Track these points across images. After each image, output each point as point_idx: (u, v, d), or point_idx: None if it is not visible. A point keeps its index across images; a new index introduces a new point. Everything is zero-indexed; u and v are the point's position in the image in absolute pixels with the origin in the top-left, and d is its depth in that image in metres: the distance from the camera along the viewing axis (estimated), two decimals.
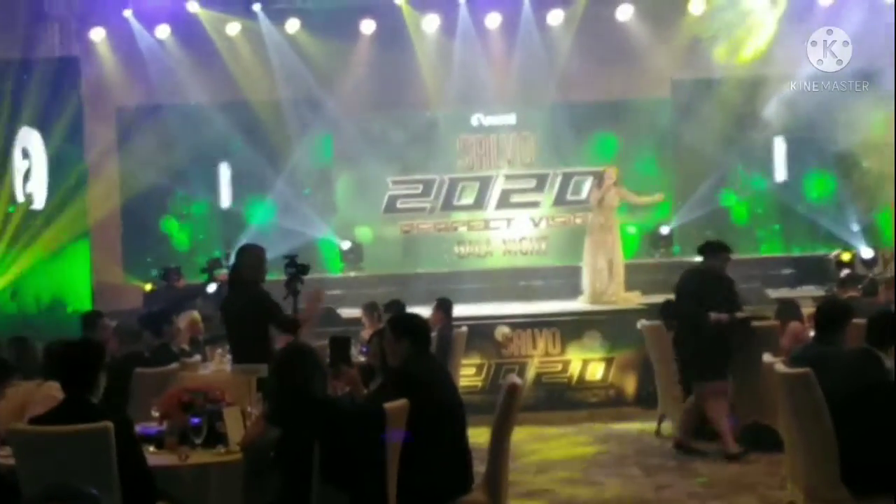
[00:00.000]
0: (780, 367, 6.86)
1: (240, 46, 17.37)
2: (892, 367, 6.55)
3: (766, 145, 17.41)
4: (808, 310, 10.19)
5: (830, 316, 7.39)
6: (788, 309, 10.63)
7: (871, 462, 6.09)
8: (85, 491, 2.71)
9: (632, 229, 17.03)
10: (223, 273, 13.42)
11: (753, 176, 17.57)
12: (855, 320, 7.38)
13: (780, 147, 17.47)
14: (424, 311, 11.02)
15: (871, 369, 6.38)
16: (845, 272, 14.12)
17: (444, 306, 11.83)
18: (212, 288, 15.11)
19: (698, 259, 10.87)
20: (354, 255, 17.46)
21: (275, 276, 9.33)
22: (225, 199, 17.67)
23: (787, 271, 16.48)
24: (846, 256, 15.96)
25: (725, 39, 16.94)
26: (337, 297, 15.03)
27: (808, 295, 13.37)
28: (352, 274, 17.20)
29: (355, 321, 12.80)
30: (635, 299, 14.62)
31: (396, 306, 10.97)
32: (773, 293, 14.27)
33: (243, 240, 14.50)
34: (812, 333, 9.09)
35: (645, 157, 17.56)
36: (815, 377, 6.31)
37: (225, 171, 17.61)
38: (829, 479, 6.21)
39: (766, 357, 7.34)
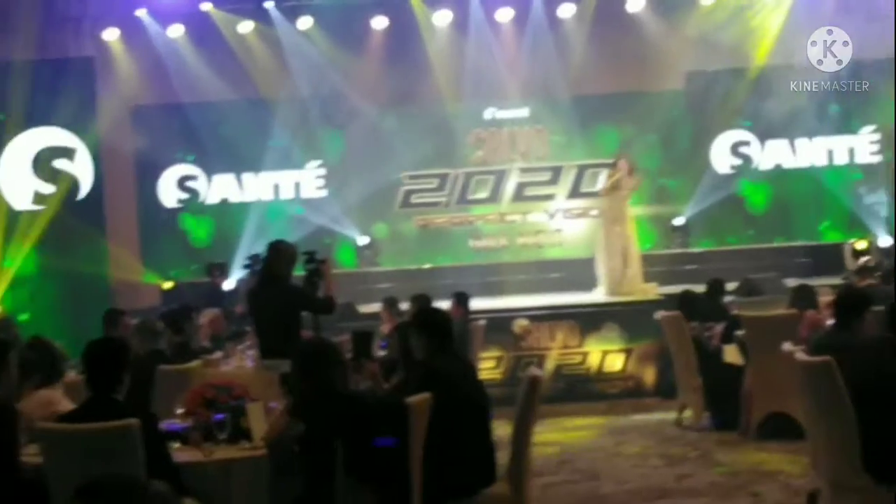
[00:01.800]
0: (801, 355, 6.85)
1: (253, 44, 17.42)
2: None
3: (781, 134, 17.45)
4: (825, 298, 10.19)
5: (850, 304, 7.41)
6: (804, 296, 10.60)
7: (893, 449, 6.07)
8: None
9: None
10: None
11: (770, 165, 17.62)
12: (874, 308, 7.40)
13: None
14: (442, 306, 11.07)
15: (891, 357, 6.36)
16: (863, 260, 14.10)
17: (461, 300, 11.84)
18: (230, 286, 15.18)
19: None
20: (371, 251, 17.51)
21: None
22: (242, 196, 17.73)
23: (802, 260, 16.46)
24: (861, 245, 15.90)
25: (735, 30, 17.00)
26: (354, 293, 15.06)
27: (825, 284, 13.34)
28: (368, 269, 17.23)
29: (373, 316, 12.84)
30: (653, 290, 14.61)
31: (421, 300, 10.98)
32: (791, 282, 14.26)
33: (264, 236, 14.57)
34: (829, 321, 9.17)
35: (658, 149, 17.59)
36: (836, 365, 6.31)
37: (243, 167, 17.66)
38: (852, 466, 6.19)
39: (786, 346, 7.32)
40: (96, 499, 2.48)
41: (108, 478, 2.52)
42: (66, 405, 6.28)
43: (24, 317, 15.31)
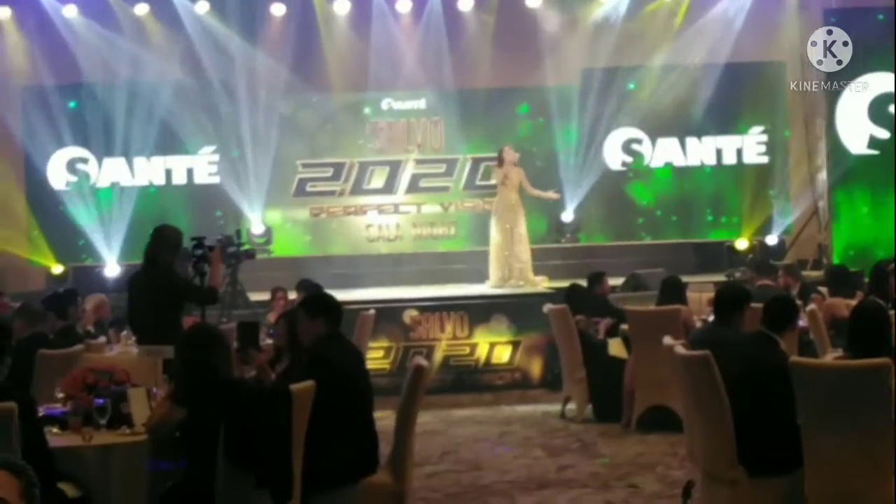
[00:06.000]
0: (680, 349, 6.99)
1: (149, 27, 17.20)
2: (787, 349, 6.74)
3: (673, 132, 17.73)
4: (708, 294, 10.39)
5: (728, 300, 7.61)
6: (671, 290, 10.80)
7: (765, 442, 6.22)
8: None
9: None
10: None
11: (660, 163, 17.88)
12: (752, 304, 7.59)
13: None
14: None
15: (766, 352, 6.50)
16: (750, 259, 14.44)
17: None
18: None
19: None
20: (264, 238, 17.38)
21: None
22: (134, 180, 17.49)
23: (689, 257, 16.74)
24: (742, 244, 16.19)
25: (632, 28, 17.27)
26: (245, 280, 14.95)
27: (710, 280, 13.62)
28: (260, 257, 17.08)
29: (263, 304, 12.78)
30: (542, 283, 14.77)
31: (308, 285, 10.90)
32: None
33: (153, 221, 14.40)
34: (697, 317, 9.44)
35: (551, 144, 17.75)
36: (713, 359, 6.45)
37: (133, 152, 17.41)
38: (727, 458, 6.32)
39: (666, 339, 7.47)
40: None
41: None
42: None
43: None
